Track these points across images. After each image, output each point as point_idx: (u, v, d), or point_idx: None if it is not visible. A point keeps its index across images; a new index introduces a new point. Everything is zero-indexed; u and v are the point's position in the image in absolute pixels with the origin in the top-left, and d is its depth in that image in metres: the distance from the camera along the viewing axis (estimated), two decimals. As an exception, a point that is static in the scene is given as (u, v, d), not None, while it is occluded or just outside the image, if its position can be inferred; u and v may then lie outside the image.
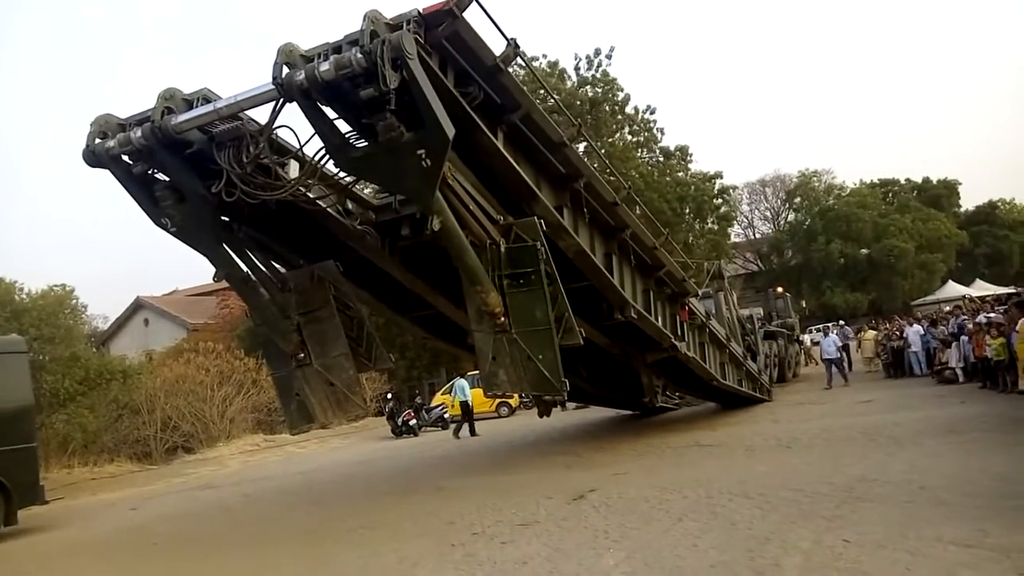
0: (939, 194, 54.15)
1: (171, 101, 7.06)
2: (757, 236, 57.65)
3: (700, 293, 14.19)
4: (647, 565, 5.70)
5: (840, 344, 20.56)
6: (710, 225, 33.32)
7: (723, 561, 5.53)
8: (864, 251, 46.71)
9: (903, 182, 55.35)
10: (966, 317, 16.80)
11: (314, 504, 11.23)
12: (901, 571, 4.88)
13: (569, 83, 29.95)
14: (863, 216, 47.06)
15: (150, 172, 7.51)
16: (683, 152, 32.13)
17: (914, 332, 19.03)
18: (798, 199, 54.42)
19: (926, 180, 55.54)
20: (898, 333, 20.59)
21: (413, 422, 23.02)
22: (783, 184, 56.17)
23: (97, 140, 7.27)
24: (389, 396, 25.60)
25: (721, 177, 32.68)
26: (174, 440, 24.15)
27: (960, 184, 55.01)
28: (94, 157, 7.29)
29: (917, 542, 5.38)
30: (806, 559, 5.34)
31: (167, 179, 7.49)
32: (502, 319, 7.83)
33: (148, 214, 7.64)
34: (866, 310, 46.68)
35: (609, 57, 30.08)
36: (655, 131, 31.52)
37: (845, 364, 20.38)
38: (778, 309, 26.27)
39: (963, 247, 50.74)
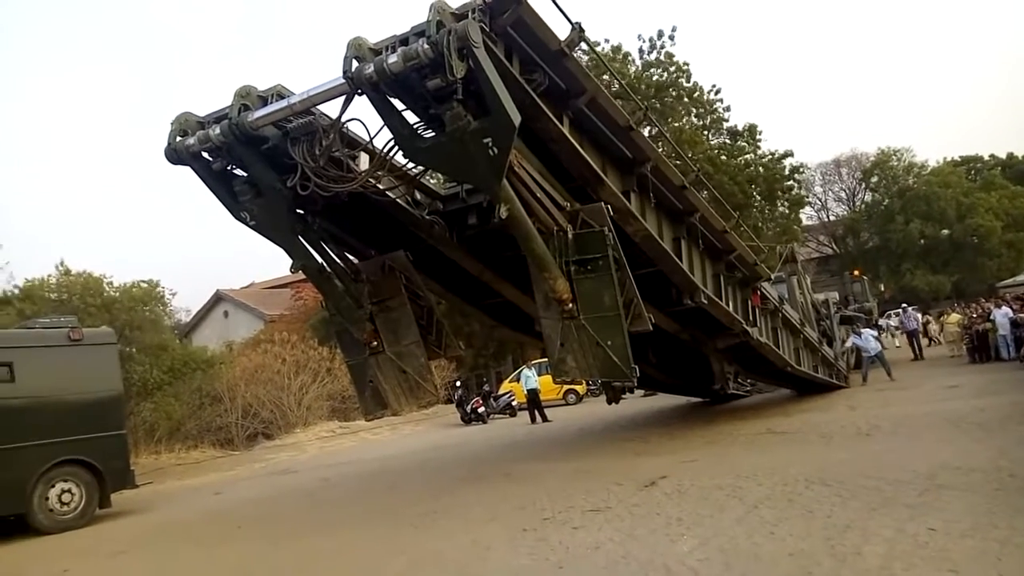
0: (1026, 170, 51.46)
1: (247, 98, 7.26)
2: (831, 218, 55.87)
3: (772, 277, 13.85)
4: (722, 552, 5.64)
5: (877, 338, 19.52)
6: (781, 208, 32.43)
7: (802, 549, 5.43)
8: (946, 231, 44.74)
9: (987, 158, 52.81)
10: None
11: (389, 488, 11.49)
12: (991, 561, 4.71)
13: (633, 68, 29.55)
14: (944, 195, 45.06)
15: (229, 168, 7.76)
16: (752, 131, 31.30)
17: (1002, 314, 18.16)
18: (875, 179, 52.41)
19: (1011, 156, 52.85)
20: (984, 316, 19.69)
21: (482, 409, 23.26)
22: (859, 163, 54.18)
23: (178, 138, 7.51)
24: (458, 384, 25.93)
25: (792, 155, 31.68)
26: (254, 427, 24.99)
27: (1050, 158, 52.12)
28: (175, 155, 7.55)
29: (1007, 531, 5.18)
30: (889, 547, 5.19)
31: (245, 174, 7.73)
32: (570, 305, 7.82)
33: (228, 208, 7.91)
34: (948, 293, 44.79)
35: (672, 39, 29.56)
36: (721, 111, 30.84)
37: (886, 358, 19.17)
38: (855, 293, 25.51)
39: (1054, 226, 48.07)
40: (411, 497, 10.19)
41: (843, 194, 56.13)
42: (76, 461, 11.64)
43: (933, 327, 27.01)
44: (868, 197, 53.25)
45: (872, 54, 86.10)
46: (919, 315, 22.12)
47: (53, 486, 11.34)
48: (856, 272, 29.19)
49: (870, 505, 6.34)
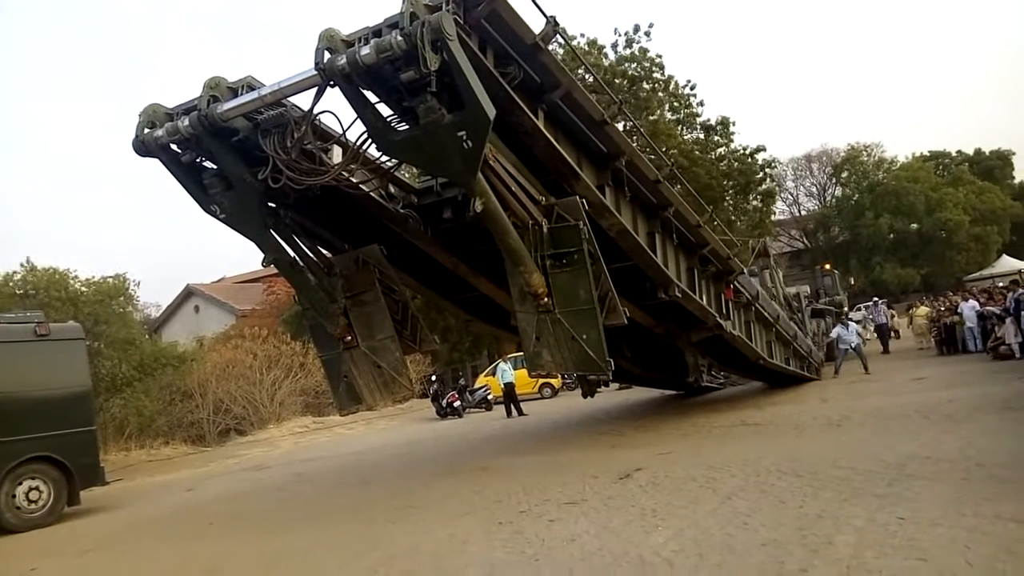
0: (992, 166, 52.56)
1: (216, 90, 7.15)
2: (803, 213, 56.55)
3: (746, 271, 13.97)
4: (696, 543, 5.68)
5: (860, 334, 19.72)
6: (754, 202, 32.72)
7: (774, 539, 5.49)
8: (915, 225, 45.51)
9: (954, 154, 53.77)
10: (1023, 291, 16.28)
11: (363, 483, 11.44)
12: (959, 549, 4.79)
13: (607, 61, 29.59)
14: (913, 190, 45.82)
15: (198, 160, 7.64)
16: (725, 125, 31.50)
17: (969, 307, 18.51)
18: (845, 174, 53.17)
19: (978, 152, 53.91)
20: (951, 309, 20.05)
21: (457, 404, 23.23)
22: (829, 159, 54.90)
23: (146, 130, 7.39)
24: (433, 378, 25.86)
25: (764, 150, 31.96)
26: (226, 423, 24.72)
27: (1014, 155, 53.23)
28: (143, 147, 7.42)
29: (975, 519, 5.27)
30: (860, 536, 5.26)
31: (215, 167, 7.61)
32: (545, 299, 7.84)
33: (197, 201, 7.79)
34: (917, 286, 45.57)
35: (648, 34, 29.64)
36: (695, 106, 31.00)
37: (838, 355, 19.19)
38: (825, 287, 25.78)
39: (1018, 220, 49.13)
40: (386, 492, 10.14)
41: (814, 189, 57.01)
42: (44, 458, 11.41)
43: (898, 321, 27.34)
44: (839, 192, 54.04)
45: (843, 51, 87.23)
46: (887, 308, 22.42)
47: (20, 483, 11.11)
48: (827, 266, 29.52)
49: (841, 495, 6.42)
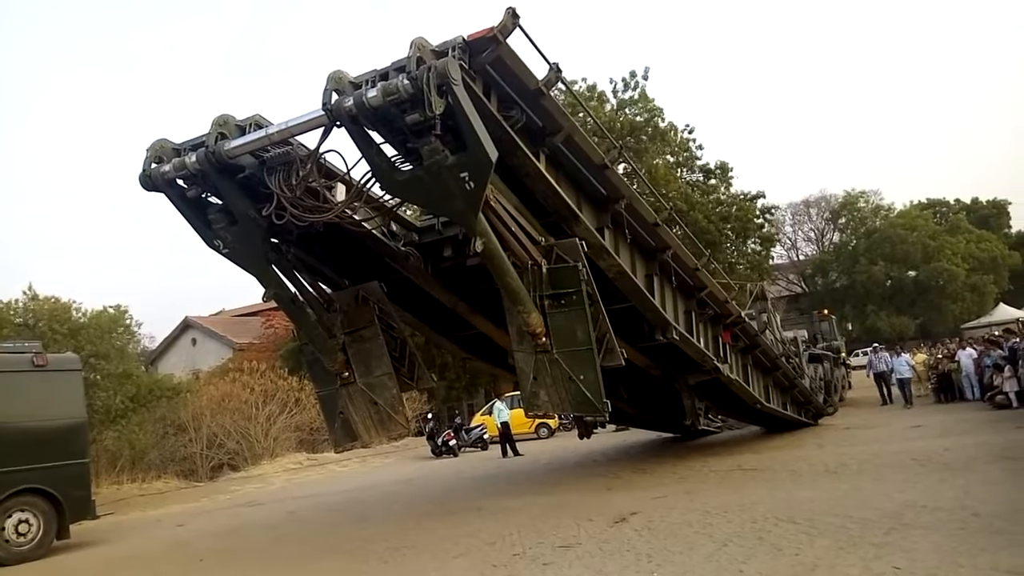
0: (988, 214, 52.98)
1: (224, 127, 7.28)
2: (801, 257, 56.84)
3: (744, 315, 14.02)
4: (691, 589, 5.64)
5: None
6: (752, 246, 32.96)
7: (769, 587, 5.45)
8: (911, 273, 45.70)
9: (951, 202, 54.25)
10: (1018, 340, 16.31)
11: (357, 522, 11.32)
12: (954, 600, 4.76)
13: (608, 106, 30.05)
14: (909, 238, 46.11)
15: (203, 196, 7.73)
16: (724, 169, 31.89)
17: (967, 356, 18.53)
18: (843, 220, 53.57)
19: (975, 200, 54.36)
20: (949, 356, 20.06)
21: (453, 442, 23.08)
22: (828, 204, 55.37)
23: (153, 165, 7.48)
24: (429, 416, 25.72)
25: (764, 196, 32.33)
26: (219, 457, 24.52)
27: (1010, 204, 53.70)
28: (150, 181, 7.51)
29: (971, 570, 5.25)
30: (855, 586, 5.23)
31: (220, 202, 7.70)
32: (543, 339, 7.87)
33: (201, 236, 7.86)
34: (913, 333, 45.59)
35: (646, 78, 30.16)
36: (694, 149, 31.41)
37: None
38: (823, 331, 25.77)
39: (1016, 269, 49.37)
40: (379, 531, 10.04)
41: (812, 234, 57.33)
42: (35, 490, 11.31)
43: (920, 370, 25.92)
44: (836, 237, 54.34)
45: (843, 97, 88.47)
46: (887, 355, 22.22)
47: (10, 516, 11.00)
48: (825, 311, 29.55)
49: (837, 543, 6.38)
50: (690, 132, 31.22)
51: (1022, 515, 6.58)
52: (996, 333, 22.48)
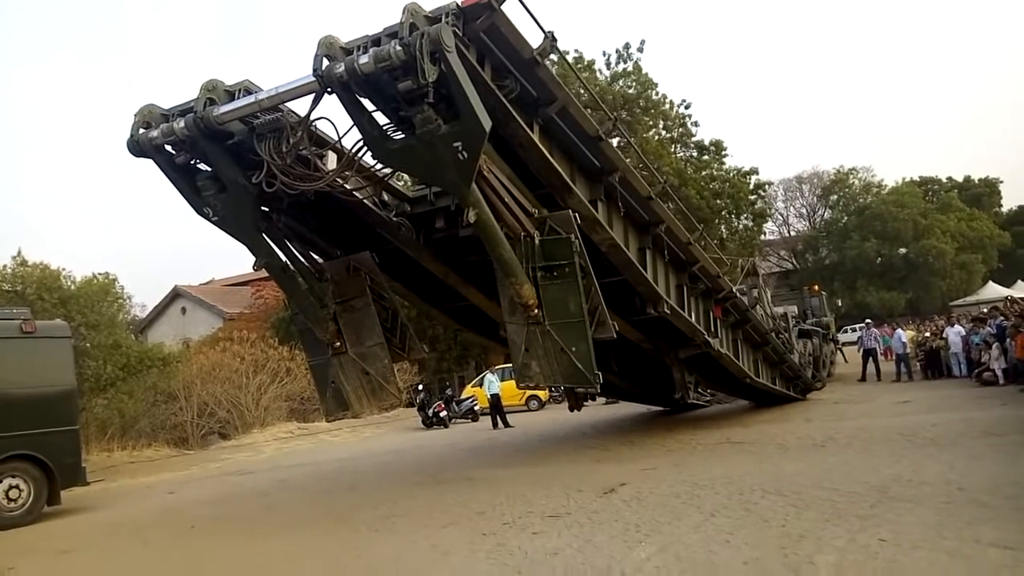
0: (980, 193, 53.10)
1: (213, 92, 7.17)
2: (792, 233, 56.94)
3: (735, 290, 14.05)
4: (679, 560, 5.69)
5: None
6: (744, 222, 32.99)
7: (756, 558, 5.50)
8: (902, 250, 45.90)
9: (943, 180, 54.33)
10: (1004, 318, 16.43)
11: (347, 491, 11.38)
12: (939, 572, 4.83)
13: (601, 77, 29.80)
14: (900, 215, 46.22)
15: (192, 162, 7.65)
16: (718, 147, 31.81)
17: (954, 333, 18.67)
18: (834, 196, 53.60)
19: (967, 179, 54.46)
20: (937, 333, 20.21)
21: (444, 414, 23.17)
22: (820, 180, 55.38)
23: (141, 130, 7.39)
24: (420, 388, 25.78)
25: (757, 173, 32.31)
26: (210, 426, 24.57)
27: (1002, 183, 53.83)
28: (138, 147, 7.43)
29: (955, 543, 5.31)
30: (841, 557, 5.29)
31: (209, 169, 7.62)
32: (535, 311, 7.86)
33: (190, 203, 7.79)
34: (902, 310, 45.89)
35: (640, 51, 29.88)
36: (689, 125, 31.26)
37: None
38: (813, 307, 25.86)
39: (1005, 248, 49.63)
40: (370, 500, 10.10)
41: (804, 210, 57.39)
42: (25, 456, 11.32)
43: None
44: (827, 214, 54.42)
45: (839, 72, 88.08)
46: (876, 331, 22.26)
47: (1, 481, 11.02)
48: (815, 287, 29.64)
49: (824, 515, 6.45)
50: (687, 108, 31.05)
51: (1006, 490, 6.65)
52: (984, 311, 22.65)
